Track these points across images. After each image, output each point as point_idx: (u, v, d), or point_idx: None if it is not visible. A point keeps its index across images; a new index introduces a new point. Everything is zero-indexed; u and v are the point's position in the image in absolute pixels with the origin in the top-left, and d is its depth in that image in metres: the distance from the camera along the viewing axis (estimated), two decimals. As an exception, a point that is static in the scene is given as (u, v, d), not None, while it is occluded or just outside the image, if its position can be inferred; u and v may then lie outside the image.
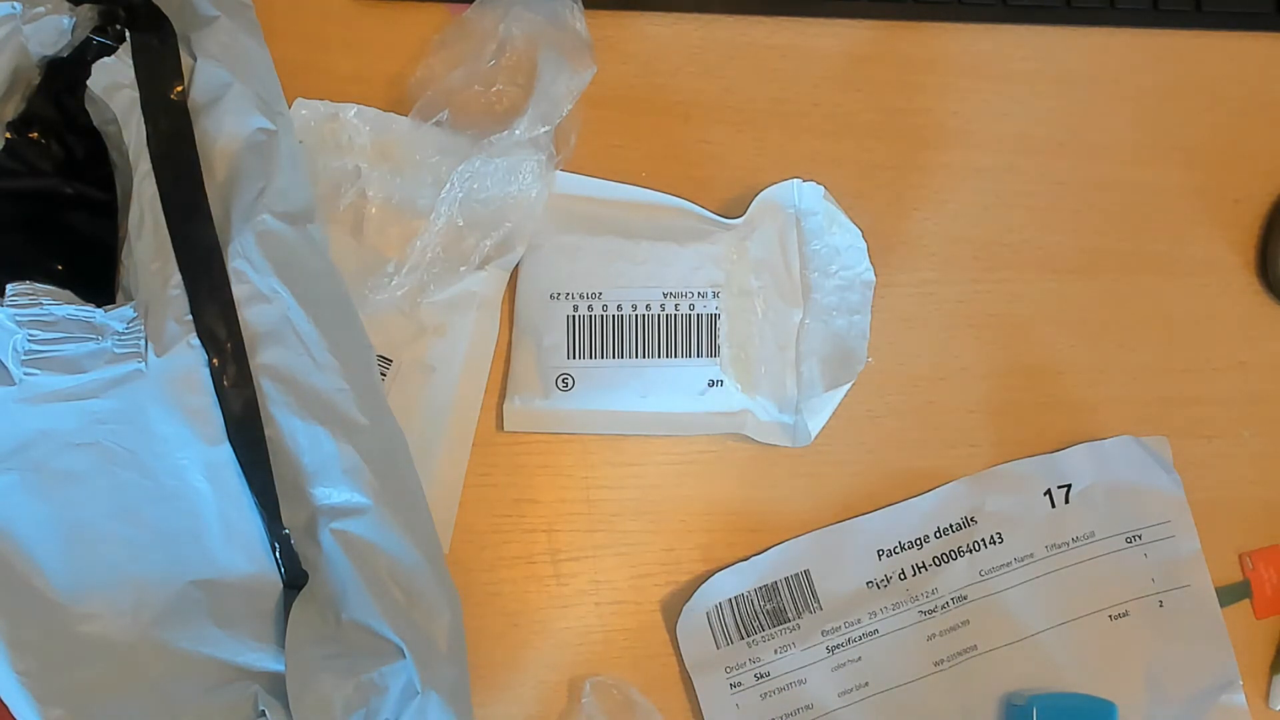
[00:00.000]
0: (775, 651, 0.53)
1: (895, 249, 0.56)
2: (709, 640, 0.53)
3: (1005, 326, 0.57)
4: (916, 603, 0.54)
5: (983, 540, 0.55)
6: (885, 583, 0.54)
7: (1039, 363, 0.57)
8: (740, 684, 0.53)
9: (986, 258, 0.57)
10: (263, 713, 0.42)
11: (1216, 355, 0.58)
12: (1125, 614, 0.55)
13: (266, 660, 0.43)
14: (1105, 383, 0.57)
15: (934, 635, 0.54)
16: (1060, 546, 0.55)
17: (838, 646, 0.53)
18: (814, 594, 0.54)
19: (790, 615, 0.53)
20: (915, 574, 0.54)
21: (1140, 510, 0.56)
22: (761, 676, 0.53)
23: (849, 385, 0.53)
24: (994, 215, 0.57)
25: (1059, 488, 0.55)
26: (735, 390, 0.54)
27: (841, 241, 0.54)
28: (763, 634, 0.53)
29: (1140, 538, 0.55)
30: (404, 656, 0.43)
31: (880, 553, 0.54)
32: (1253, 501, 0.57)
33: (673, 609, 0.53)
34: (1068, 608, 0.54)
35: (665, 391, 0.54)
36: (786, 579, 0.54)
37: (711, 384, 0.54)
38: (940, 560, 0.54)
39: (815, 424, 0.53)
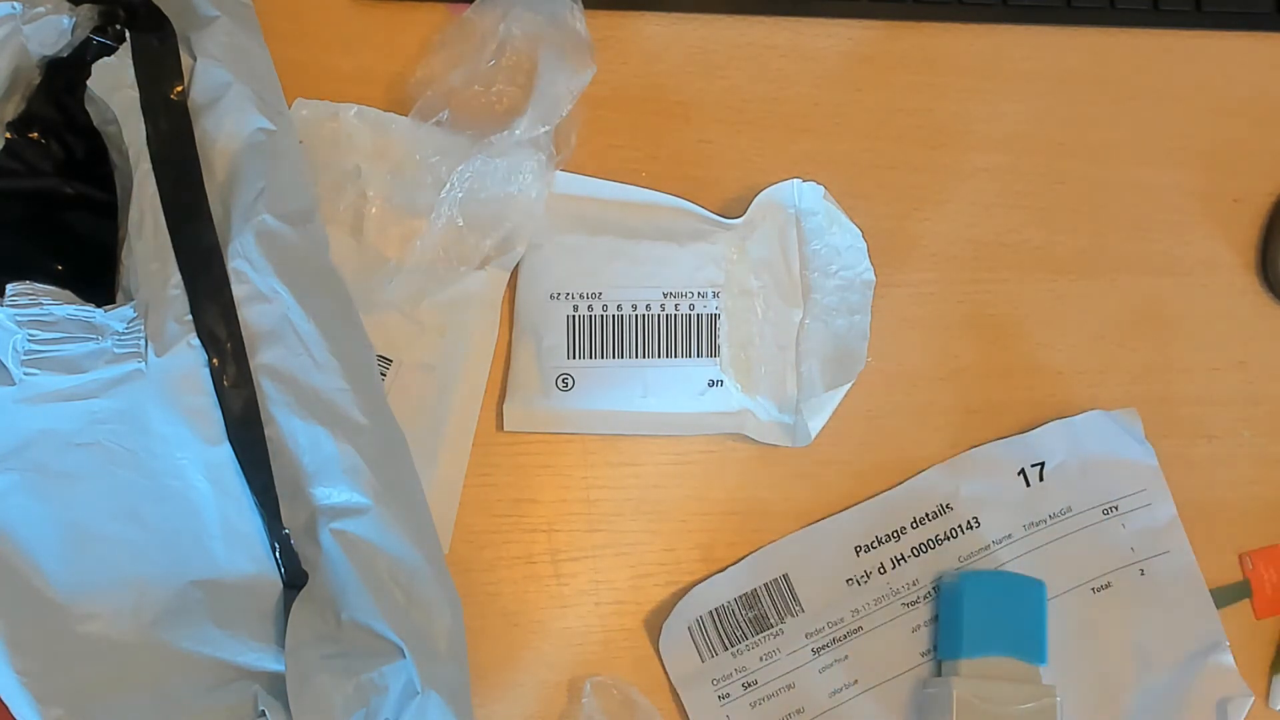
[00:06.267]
0: (761, 659, 0.53)
1: (895, 249, 0.56)
2: (693, 654, 0.53)
3: (1005, 326, 0.57)
4: (899, 595, 0.54)
5: (960, 526, 0.55)
6: (865, 579, 0.54)
7: (1039, 363, 0.57)
8: (729, 695, 0.53)
9: (986, 258, 0.57)
10: (263, 713, 0.42)
11: (1216, 355, 0.58)
12: (1108, 585, 0.54)
13: (266, 660, 0.43)
14: (1105, 383, 0.57)
15: (919, 626, 0.54)
16: (1038, 524, 0.55)
17: (823, 648, 0.53)
18: (794, 597, 0.54)
19: (773, 621, 0.53)
20: (895, 566, 0.54)
21: (1115, 481, 0.55)
22: (749, 685, 0.53)
23: (849, 385, 0.53)
24: (994, 215, 0.57)
25: (1032, 466, 0.55)
26: (735, 390, 0.54)
27: (841, 241, 0.54)
28: (746, 642, 0.53)
29: (1117, 509, 0.55)
30: (404, 656, 0.43)
31: (858, 549, 0.54)
32: (1253, 501, 0.57)
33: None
34: (1050, 584, 0.54)
35: (665, 391, 0.54)
36: (766, 585, 0.53)
37: (711, 384, 0.54)
38: (919, 550, 0.54)
39: (815, 424, 0.53)
